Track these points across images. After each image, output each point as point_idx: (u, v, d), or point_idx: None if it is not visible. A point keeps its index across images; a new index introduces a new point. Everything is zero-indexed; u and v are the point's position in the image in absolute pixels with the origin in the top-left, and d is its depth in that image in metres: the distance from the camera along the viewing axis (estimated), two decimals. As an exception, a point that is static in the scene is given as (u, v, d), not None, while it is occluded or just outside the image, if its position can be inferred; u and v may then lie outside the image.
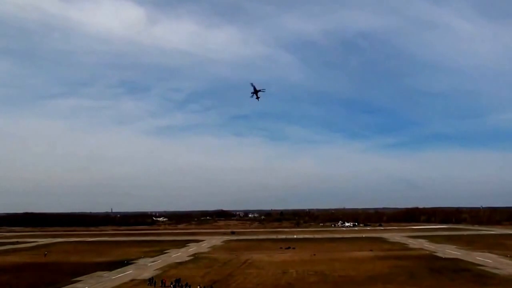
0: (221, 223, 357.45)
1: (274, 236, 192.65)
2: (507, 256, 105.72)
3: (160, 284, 74.12)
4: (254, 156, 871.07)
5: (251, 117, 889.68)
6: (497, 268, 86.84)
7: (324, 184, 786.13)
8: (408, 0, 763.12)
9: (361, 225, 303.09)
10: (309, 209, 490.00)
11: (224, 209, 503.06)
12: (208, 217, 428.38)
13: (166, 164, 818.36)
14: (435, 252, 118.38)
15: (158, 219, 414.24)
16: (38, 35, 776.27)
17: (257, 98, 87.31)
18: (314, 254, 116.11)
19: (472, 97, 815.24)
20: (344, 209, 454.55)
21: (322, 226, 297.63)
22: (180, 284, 72.50)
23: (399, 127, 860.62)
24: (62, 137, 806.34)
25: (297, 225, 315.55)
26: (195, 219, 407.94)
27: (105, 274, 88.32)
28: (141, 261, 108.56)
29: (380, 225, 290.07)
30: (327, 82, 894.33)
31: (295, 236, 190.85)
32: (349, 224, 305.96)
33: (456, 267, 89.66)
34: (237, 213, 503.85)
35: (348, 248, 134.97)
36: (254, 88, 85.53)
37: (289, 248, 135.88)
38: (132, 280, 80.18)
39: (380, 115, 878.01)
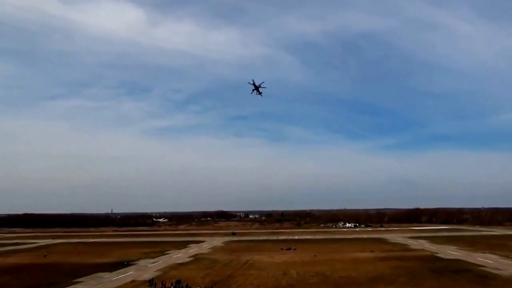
0: (222, 224, 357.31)
1: (274, 237, 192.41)
2: (509, 257, 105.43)
3: (161, 285, 73.77)
4: (255, 156, 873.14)
5: (252, 117, 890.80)
6: (499, 269, 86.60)
7: (325, 184, 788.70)
8: (408, 1, 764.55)
9: (362, 226, 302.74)
10: (310, 210, 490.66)
11: (225, 210, 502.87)
12: (208, 218, 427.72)
13: (166, 165, 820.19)
14: (436, 253, 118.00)
15: (158, 220, 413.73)
16: (39, 36, 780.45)
17: (259, 93, 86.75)
18: (315, 255, 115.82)
19: (472, 97, 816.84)
20: (345, 209, 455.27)
21: (323, 227, 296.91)
22: (180, 285, 72.36)
23: (400, 128, 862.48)
24: (62, 138, 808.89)
25: (298, 226, 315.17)
26: (196, 220, 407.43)
27: (106, 275, 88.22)
28: (142, 262, 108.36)
29: (382, 226, 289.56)
30: (328, 82, 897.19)
31: (296, 237, 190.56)
32: (350, 225, 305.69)
33: (458, 268, 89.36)
34: (238, 214, 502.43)
35: (349, 249, 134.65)
36: (254, 84, 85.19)
37: (290, 249, 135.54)
38: (132, 281, 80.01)
39: (380, 115, 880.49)
